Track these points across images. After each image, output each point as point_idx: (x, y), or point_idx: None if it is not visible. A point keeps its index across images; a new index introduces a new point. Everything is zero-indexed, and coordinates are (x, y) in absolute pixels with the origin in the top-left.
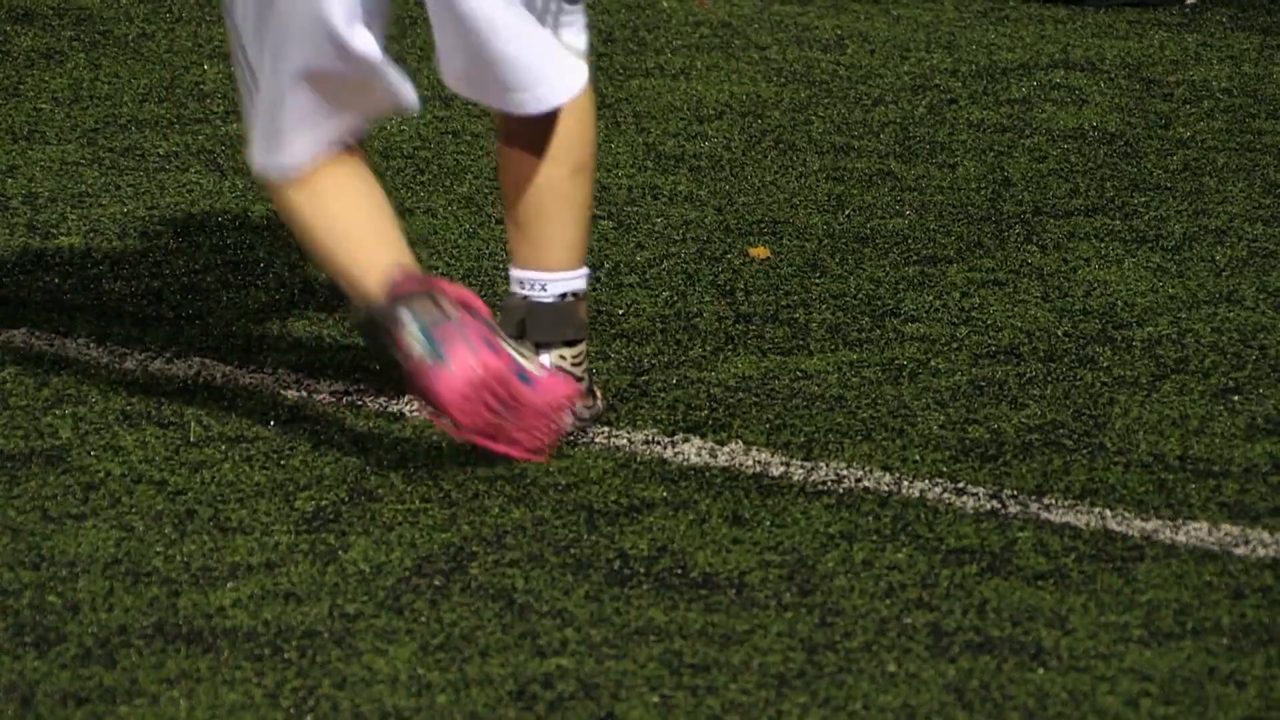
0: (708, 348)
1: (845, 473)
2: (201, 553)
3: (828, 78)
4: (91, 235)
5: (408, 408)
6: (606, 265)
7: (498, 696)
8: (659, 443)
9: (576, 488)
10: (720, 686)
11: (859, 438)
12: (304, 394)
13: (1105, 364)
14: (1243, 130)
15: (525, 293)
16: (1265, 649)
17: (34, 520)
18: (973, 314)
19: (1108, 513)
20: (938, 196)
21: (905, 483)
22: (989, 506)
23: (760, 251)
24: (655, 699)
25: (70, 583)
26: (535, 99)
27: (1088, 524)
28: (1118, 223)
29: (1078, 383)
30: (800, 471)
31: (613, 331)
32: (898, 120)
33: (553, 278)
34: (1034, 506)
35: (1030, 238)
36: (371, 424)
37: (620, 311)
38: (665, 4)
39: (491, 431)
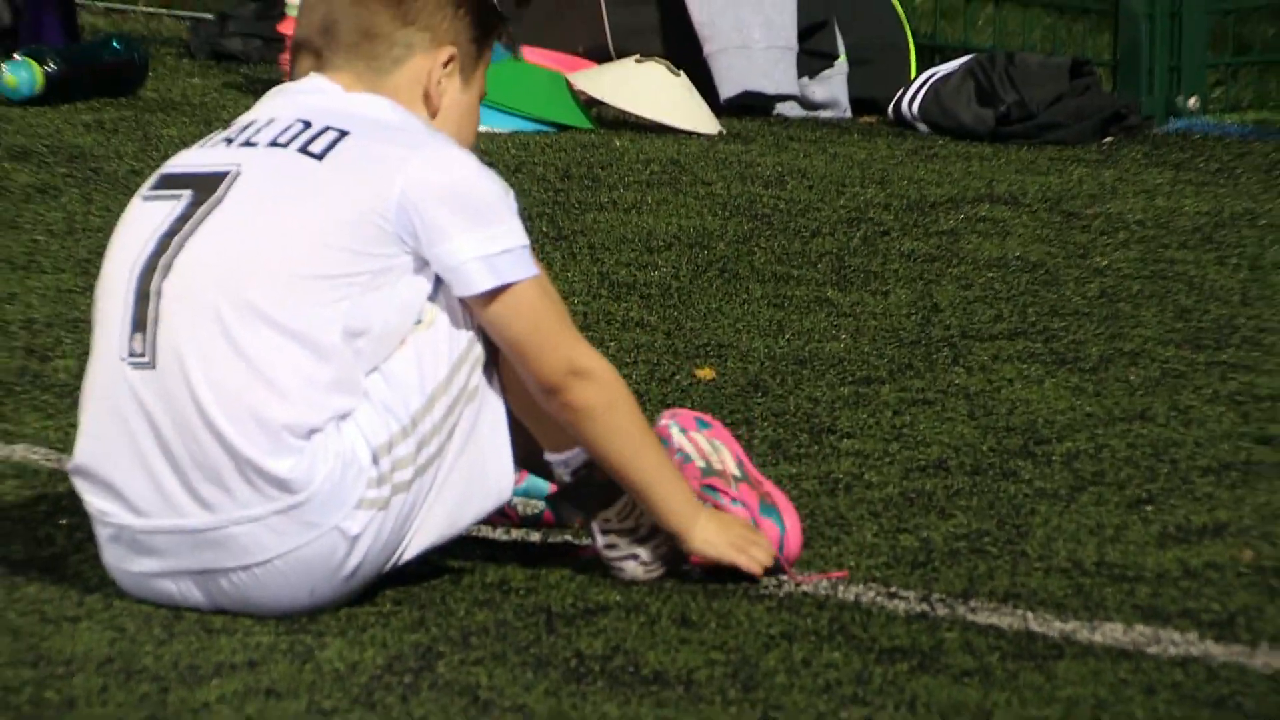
0: None
1: (785, 578)
2: (189, 652)
3: (769, 211)
4: (84, 358)
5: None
6: None
7: None
8: None
9: (536, 592)
10: None
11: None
12: None
13: (1027, 477)
14: (1155, 259)
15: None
16: None
17: (33, 622)
18: (904, 431)
19: (1029, 615)
20: (871, 321)
21: (841, 587)
22: (919, 609)
23: (706, 373)
24: None
25: (67, 680)
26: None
27: (1011, 625)
28: (1039, 345)
29: (1001, 494)
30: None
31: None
32: (834, 250)
33: (560, 459)
34: (961, 609)
35: (957, 360)
36: None
37: None
38: (618, 143)
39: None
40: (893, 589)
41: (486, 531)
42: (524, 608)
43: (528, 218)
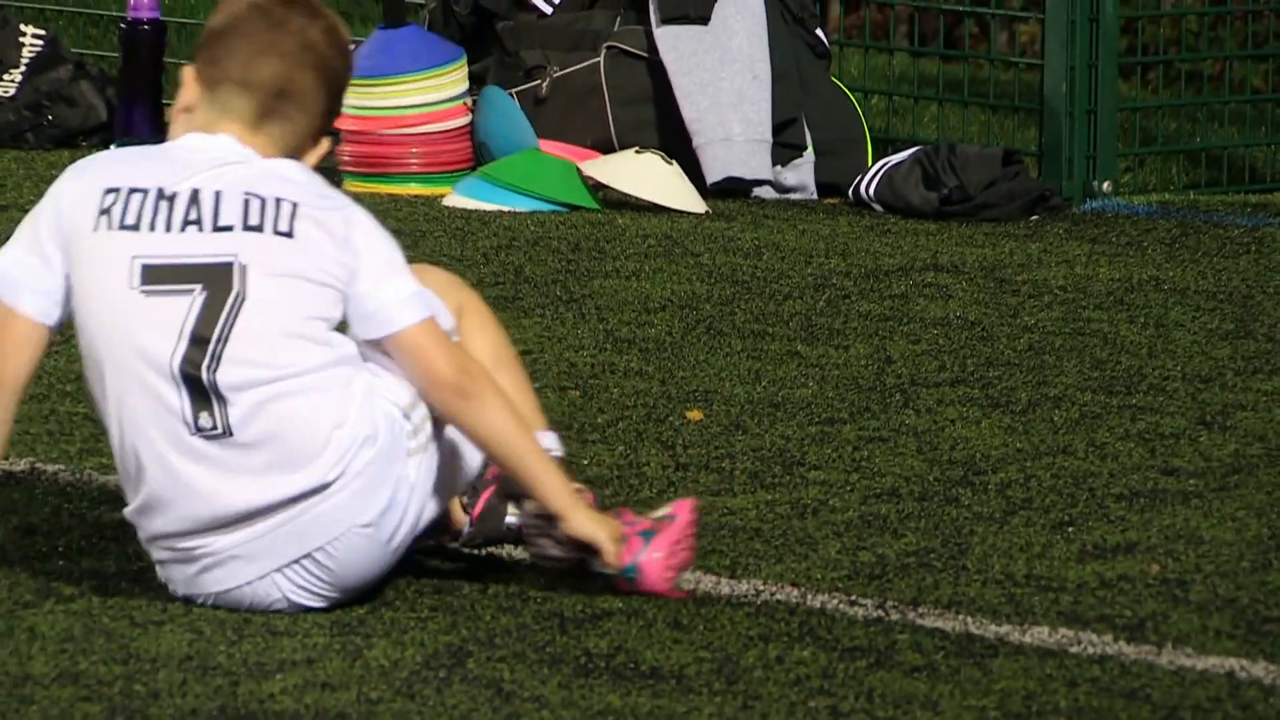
0: (654, 490)
1: (762, 588)
2: (256, 651)
3: (748, 278)
4: None
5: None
6: (574, 426)
7: None
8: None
9: (551, 599)
10: None
11: (773, 560)
12: None
13: (967, 503)
14: (1075, 319)
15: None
16: None
17: (123, 625)
18: (862, 463)
19: (969, 619)
20: (834, 371)
21: (809, 596)
22: (876, 615)
23: (695, 415)
24: None
25: (152, 674)
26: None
27: (953, 628)
28: (976, 391)
29: (945, 517)
30: (727, 587)
31: (579, 478)
32: (803, 311)
33: None
34: (911, 615)
35: (907, 404)
36: None
37: (585, 461)
38: (620, 221)
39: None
40: (853, 597)
41: (509, 550)
42: (541, 613)
43: (545, 284)
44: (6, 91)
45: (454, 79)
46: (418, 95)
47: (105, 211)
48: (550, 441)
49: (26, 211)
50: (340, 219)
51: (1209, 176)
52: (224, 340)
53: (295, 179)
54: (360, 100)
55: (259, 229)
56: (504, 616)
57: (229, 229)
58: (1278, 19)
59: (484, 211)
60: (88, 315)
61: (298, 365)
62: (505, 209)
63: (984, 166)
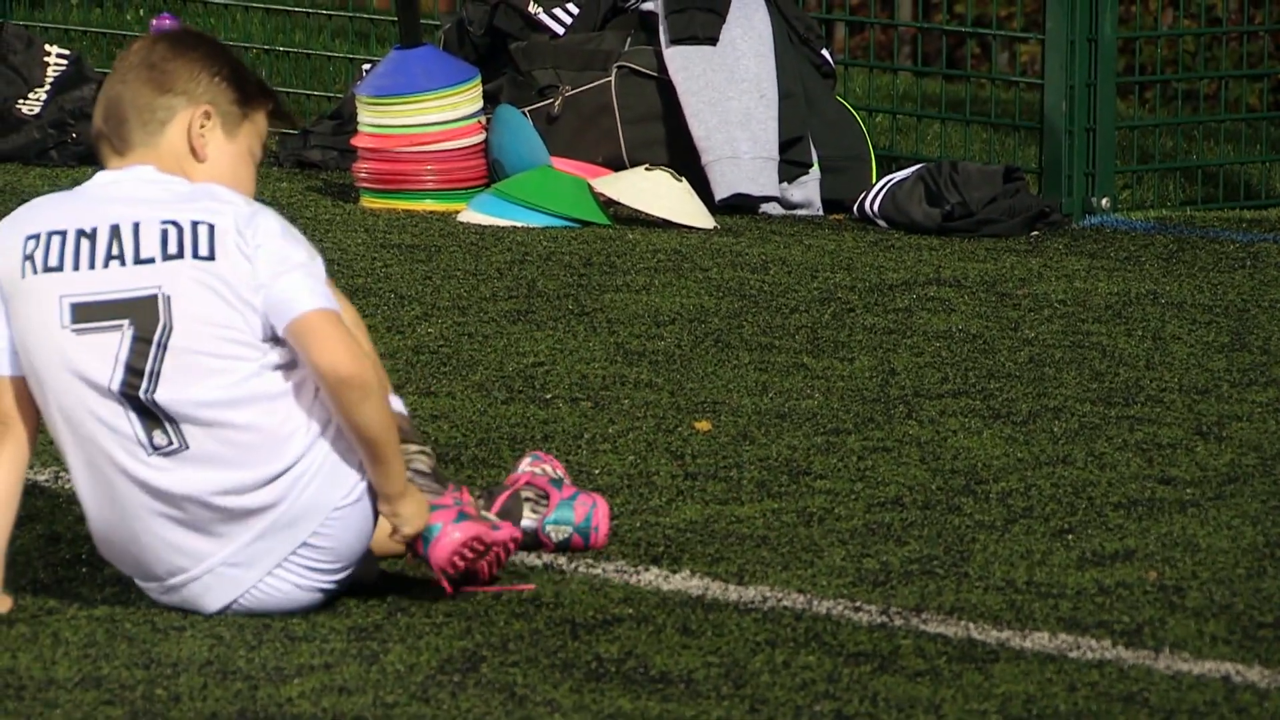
0: (663, 499)
1: (769, 594)
2: (275, 656)
3: (755, 292)
4: None
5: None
6: (586, 436)
7: None
8: (626, 571)
9: (563, 606)
10: None
11: (779, 567)
12: None
13: (969, 511)
14: (1074, 332)
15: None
16: None
17: (145, 631)
18: (867, 473)
19: (971, 625)
20: (840, 383)
21: (815, 602)
22: (880, 620)
23: (704, 425)
24: None
25: (173, 679)
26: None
27: (956, 634)
28: (978, 403)
29: (947, 525)
30: (735, 593)
31: (590, 486)
32: (809, 325)
33: None
34: (914, 620)
35: (911, 414)
36: (402, 561)
37: (596, 471)
38: (631, 237)
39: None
40: (858, 603)
41: (522, 556)
42: (553, 619)
43: (557, 298)
44: (32, 110)
45: (468, 98)
46: (433, 114)
47: (29, 258)
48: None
49: None
50: (250, 231)
51: (1205, 193)
52: (157, 371)
53: (214, 197)
54: (377, 118)
55: (179, 256)
56: (517, 622)
57: (150, 261)
58: (1272, 40)
59: (498, 227)
60: (29, 356)
61: (236, 376)
62: (518, 224)
63: (985, 183)
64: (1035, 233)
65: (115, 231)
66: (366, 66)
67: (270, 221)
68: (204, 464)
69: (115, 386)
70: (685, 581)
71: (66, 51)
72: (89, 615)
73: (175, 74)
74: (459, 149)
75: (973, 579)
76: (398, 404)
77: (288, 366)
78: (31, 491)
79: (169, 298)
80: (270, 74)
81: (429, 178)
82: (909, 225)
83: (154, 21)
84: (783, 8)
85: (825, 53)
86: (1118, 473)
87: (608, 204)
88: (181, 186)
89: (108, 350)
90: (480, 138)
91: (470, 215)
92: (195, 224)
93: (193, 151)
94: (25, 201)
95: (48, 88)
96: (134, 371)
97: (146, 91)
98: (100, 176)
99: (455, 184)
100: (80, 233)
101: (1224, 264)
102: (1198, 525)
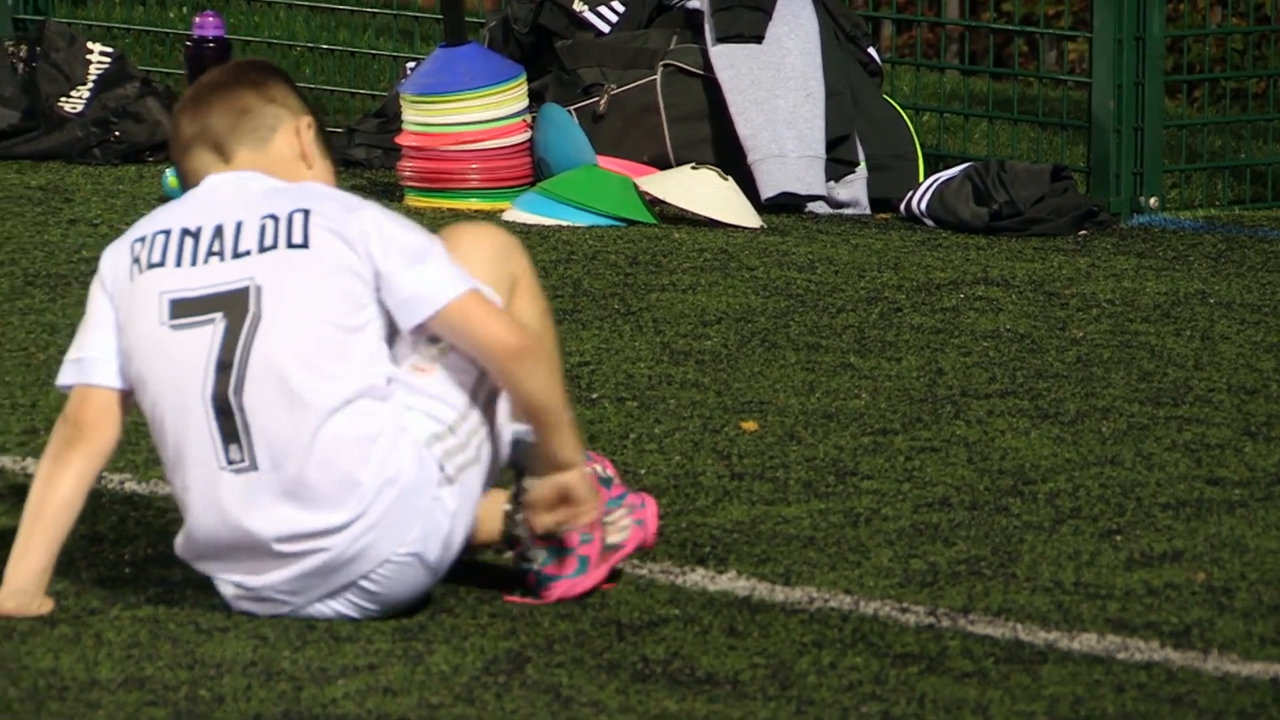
0: (710, 499)
1: (815, 595)
2: (319, 656)
3: (802, 291)
4: None
5: (478, 555)
6: (631, 436)
7: None
8: (672, 572)
9: (608, 606)
10: None
11: (826, 568)
12: None
13: (1016, 512)
14: (1122, 331)
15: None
16: None
17: (189, 632)
18: (914, 473)
19: (1019, 626)
20: (887, 383)
21: (862, 603)
22: (927, 621)
23: (750, 425)
24: None
25: (217, 680)
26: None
27: (1003, 635)
28: (1026, 403)
29: (995, 526)
30: (781, 594)
31: (636, 486)
32: (856, 324)
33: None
34: (961, 622)
35: (958, 414)
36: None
37: (642, 471)
38: (677, 236)
39: None
40: (904, 604)
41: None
42: (598, 620)
43: (603, 297)
44: (75, 108)
45: (514, 96)
46: (478, 112)
47: (136, 260)
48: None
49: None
50: (355, 219)
51: (1254, 192)
52: (244, 363)
53: (312, 191)
54: (422, 117)
55: (273, 247)
56: (562, 623)
57: (246, 254)
58: None
59: (543, 226)
60: (131, 354)
61: (318, 396)
62: (564, 224)
63: (1033, 182)
64: (1083, 232)
65: (219, 230)
66: (411, 65)
67: (376, 210)
68: (269, 496)
69: (207, 387)
70: (732, 582)
71: (109, 49)
72: (132, 616)
73: (275, 88)
74: (504, 148)
75: (1020, 580)
76: None
77: (366, 395)
78: None
79: (260, 288)
80: (314, 72)
81: (474, 176)
82: (956, 224)
83: (196, 19)
84: (829, 5)
85: (872, 51)
86: (1166, 473)
87: (653, 203)
88: (287, 184)
89: (201, 346)
90: (525, 136)
91: (515, 214)
92: (292, 214)
93: (303, 157)
94: (67, 199)
95: (90, 85)
96: (222, 368)
97: (254, 100)
98: (209, 180)
99: (500, 183)
100: (185, 231)
101: (1273, 263)
102: (1246, 526)
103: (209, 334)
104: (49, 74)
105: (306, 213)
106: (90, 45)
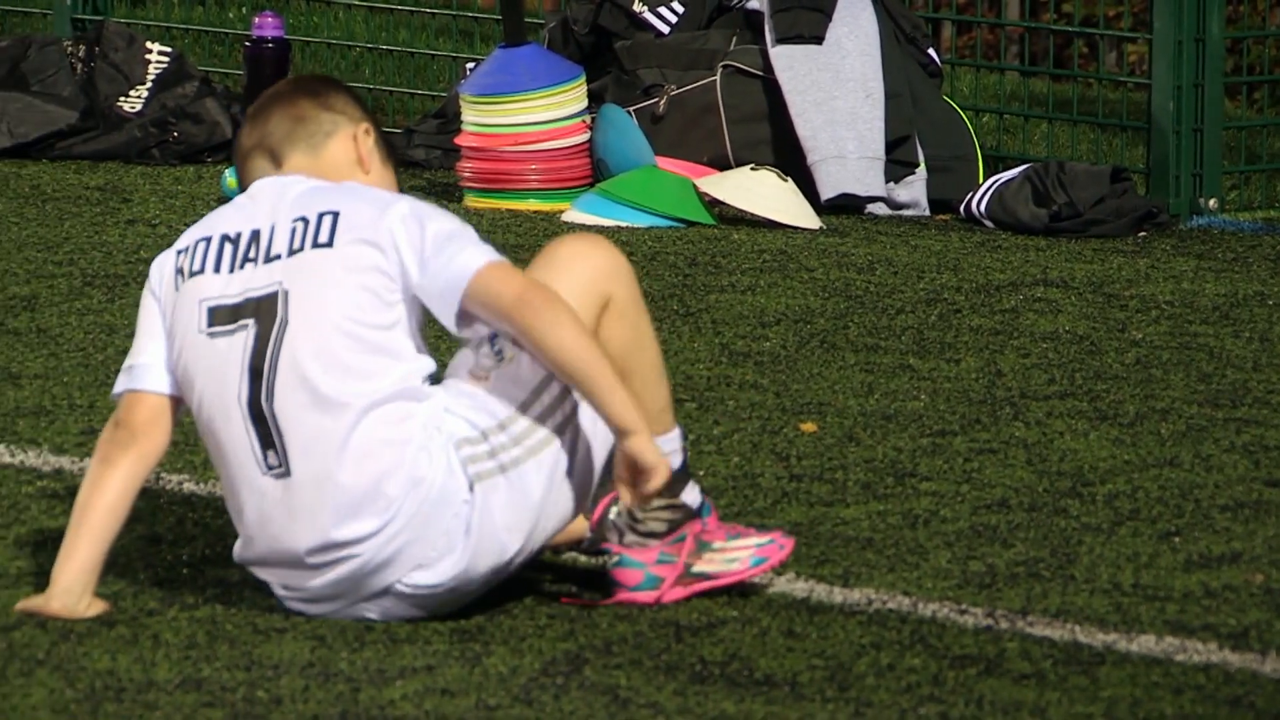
0: (768, 500)
1: (874, 596)
2: (377, 658)
3: (861, 293)
4: None
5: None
6: (690, 437)
7: None
8: None
9: (666, 608)
10: None
11: (885, 569)
12: None
13: (1075, 513)
14: (1181, 333)
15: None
16: None
17: (246, 633)
18: (973, 475)
19: (1077, 628)
20: (945, 384)
21: (920, 604)
22: (985, 623)
23: (809, 427)
24: None
25: (274, 681)
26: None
27: (1061, 637)
28: (1085, 404)
29: (1053, 528)
30: (839, 595)
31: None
32: (915, 325)
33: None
34: (1020, 623)
35: (1017, 416)
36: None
37: (700, 472)
38: (736, 237)
39: None
40: (963, 606)
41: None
42: (656, 621)
43: (662, 298)
44: (133, 108)
45: (573, 97)
46: (538, 113)
47: (179, 270)
48: (672, 442)
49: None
50: (384, 219)
51: None
52: (274, 369)
53: (347, 191)
54: (481, 117)
55: (300, 250)
56: (620, 624)
57: (277, 258)
58: None
59: (602, 227)
60: (178, 362)
61: (347, 397)
62: (623, 224)
63: (1092, 184)
64: (1142, 233)
65: (255, 235)
66: (471, 65)
67: (404, 204)
68: (304, 501)
69: (242, 394)
70: (790, 584)
71: (168, 49)
72: (190, 617)
73: (334, 97)
74: (563, 148)
75: (1079, 581)
76: None
77: (400, 398)
78: None
79: (287, 293)
80: (374, 73)
81: (533, 177)
82: (1016, 226)
83: (256, 19)
84: (889, 7)
85: (932, 52)
86: (1225, 475)
87: (713, 204)
88: (325, 184)
89: (235, 353)
90: (585, 137)
91: (575, 215)
92: (321, 215)
93: (360, 163)
94: (125, 199)
95: (149, 86)
96: (254, 375)
97: (311, 107)
98: (255, 184)
99: (560, 183)
100: (225, 237)
101: None
102: None
103: (242, 341)
104: (107, 74)
105: (335, 214)
106: (149, 45)
